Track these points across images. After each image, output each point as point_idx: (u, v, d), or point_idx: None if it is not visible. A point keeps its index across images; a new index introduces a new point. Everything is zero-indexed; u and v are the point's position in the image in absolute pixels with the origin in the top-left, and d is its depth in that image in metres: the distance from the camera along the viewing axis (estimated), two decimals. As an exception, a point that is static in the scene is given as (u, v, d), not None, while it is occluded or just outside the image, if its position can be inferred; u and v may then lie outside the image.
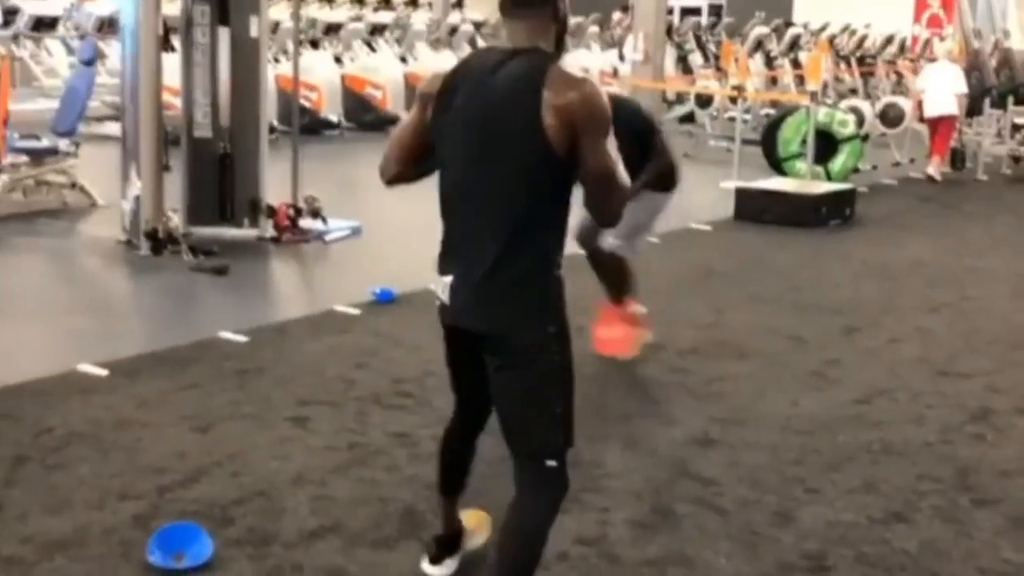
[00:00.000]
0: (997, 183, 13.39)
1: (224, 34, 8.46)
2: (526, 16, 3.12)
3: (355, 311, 6.85)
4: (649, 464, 4.74)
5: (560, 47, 3.17)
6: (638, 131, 5.54)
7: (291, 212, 8.77)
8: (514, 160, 3.02)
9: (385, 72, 16.26)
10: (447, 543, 3.75)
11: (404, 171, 3.39)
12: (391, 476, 4.53)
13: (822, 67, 12.13)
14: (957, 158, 13.75)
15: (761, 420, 5.32)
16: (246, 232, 8.70)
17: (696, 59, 20.08)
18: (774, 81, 18.93)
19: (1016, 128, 14.08)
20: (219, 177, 8.62)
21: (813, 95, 11.97)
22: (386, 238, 9.06)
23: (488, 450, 3.68)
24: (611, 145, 3.03)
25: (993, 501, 4.50)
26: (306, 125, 9.77)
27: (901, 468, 4.81)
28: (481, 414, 3.55)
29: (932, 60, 18.97)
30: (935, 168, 13.36)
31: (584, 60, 18.95)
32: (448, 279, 3.17)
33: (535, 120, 2.95)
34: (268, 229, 8.74)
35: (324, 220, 8.89)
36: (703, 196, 11.36)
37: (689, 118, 16.57)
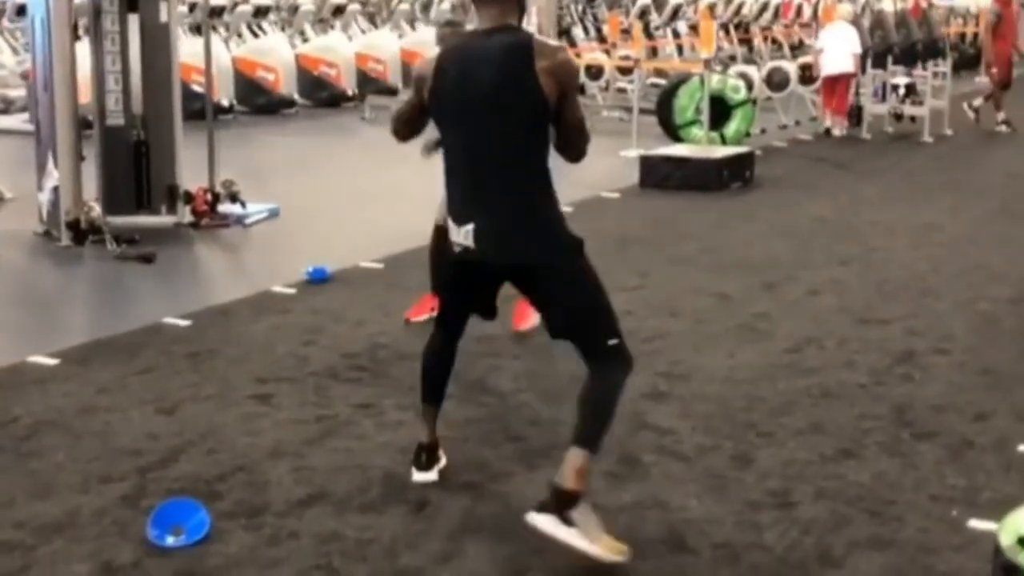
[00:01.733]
0: (881, 141, 13.89)
1: (134, 21, 8.43)
2: (500, 1, 3.73)
3: (291, 291, 6.94)
4: (609, 419, 4.96)
5: (522, 16, 3.81)
6: None
7: (209, 197, 8.79)
8: (519, 114, 3.65)
9: (276, 54, 16.20)
10: (431, 450, 4.29)
11: (408, 134, 4.08)
12: (364, 444, 4.67)
13: (714, 35, 12.46)
14: (855, 114, 14.32)
15: (704, 372, 5.57)
16: (163, 219, 8.70)
17: (578, 32, 20.37)
18: (654, 51, 19.27)
19: (894, 88, 14.61)
20: (134, 165, 8.60)
21: (707, 63, 12.30)
22: (304, 219, 9.12)
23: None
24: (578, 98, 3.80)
25: (930, 434, 4.82)
26: (199, 110, 9.78)
27: (841, 409, 5.11)
28: (461, 329, 4.22)
29: (805, 25, 19.66)
30: (835, 124, 14.07)
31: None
32: (470, 226, 3.72)
33: (534, 80, 3.57)
34: (186, 215, 8.75)
35: (243, 204, 8.92)
36: (606, 165, 11.60)
37: (579, 90, 16.81)
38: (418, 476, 4.28)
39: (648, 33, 19.33)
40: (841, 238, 8.61)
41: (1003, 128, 14.76)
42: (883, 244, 8.42)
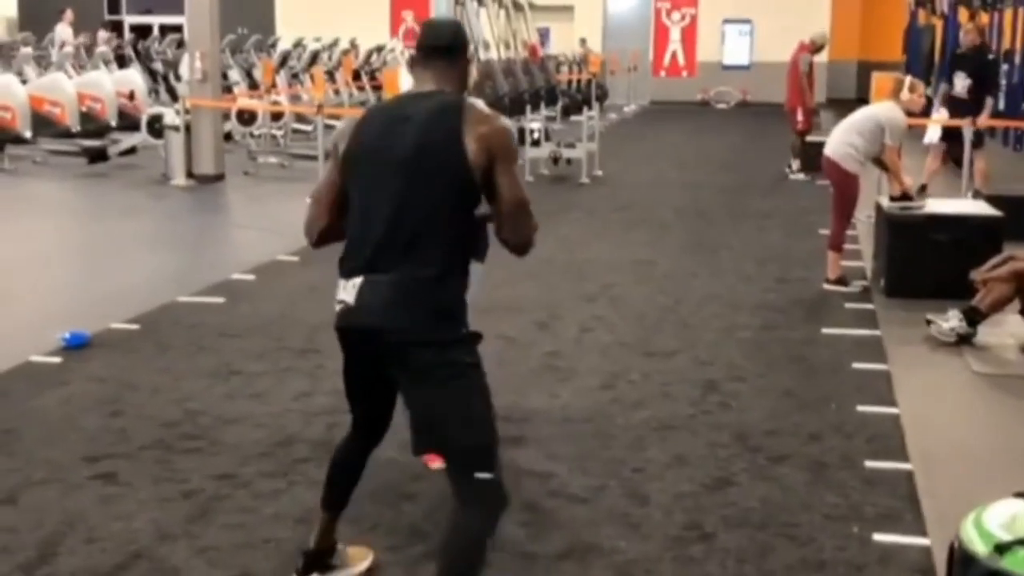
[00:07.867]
0: (544, 183, 14.43)
1: None
2: (439, 64, 3.48)
3: (55, 359, 6.36)
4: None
5: (463, 89, 3.52)
6: None
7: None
8: (438, 180, 3.30)
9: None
10: (317, 558, 3.82)
11: (330, 225, 3.51)
12: (254, 517, 4.39)
13: (400, 80, 12.58)
14: None
15: (540, 415, 5.62)
16: None
17: (232, 76, 19.85)
18: (296, 97, 19.14)
19: (530, 132, 15.17)
20: None
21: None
22: (4, 279, 8.37)
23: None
24: (520, 175, 3.39)
25: (782, 457, 5.11)
26: None
27: (689, 440, 5.31)
28: (376, 430, 3.72)
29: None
30: None
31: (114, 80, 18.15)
32: (359, 279, 3.30)
33: (458, 147, 3.27)
34: None
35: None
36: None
37: (227, 137, 16.39)
38: None
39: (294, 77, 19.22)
40: (574, 276, 8.89)
41: (800, 176, 14.73)
42: (614, 280, 8.79)
